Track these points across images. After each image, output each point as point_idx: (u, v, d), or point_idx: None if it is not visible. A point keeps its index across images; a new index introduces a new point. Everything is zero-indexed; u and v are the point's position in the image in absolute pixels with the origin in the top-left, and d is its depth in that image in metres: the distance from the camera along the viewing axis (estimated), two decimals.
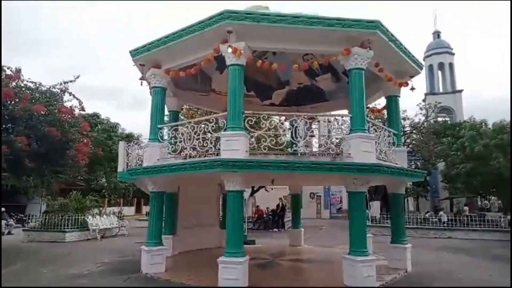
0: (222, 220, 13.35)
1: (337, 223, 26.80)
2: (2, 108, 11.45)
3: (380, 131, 8.62)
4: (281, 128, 8.26)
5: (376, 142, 8.22)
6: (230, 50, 7.51)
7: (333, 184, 24.81)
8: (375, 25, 7.61)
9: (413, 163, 30.83)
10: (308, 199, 36.26)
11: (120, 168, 10.72)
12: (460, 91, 35.83)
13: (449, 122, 33.35)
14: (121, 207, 35.46)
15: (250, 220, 21.56)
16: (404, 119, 23.89)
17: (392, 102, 10.12)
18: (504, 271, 9.44)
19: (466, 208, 24.25)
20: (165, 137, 9.27)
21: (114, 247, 14.19)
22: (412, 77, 10.04)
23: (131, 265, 9.76)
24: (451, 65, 37.00)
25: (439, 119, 34.80)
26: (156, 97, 9.34)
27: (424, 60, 38.12)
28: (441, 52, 36.71)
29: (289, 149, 8.20)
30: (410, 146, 24.61)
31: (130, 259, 10.99)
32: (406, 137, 24.64)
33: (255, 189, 24.60)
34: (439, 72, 37.48)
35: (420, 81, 39.29)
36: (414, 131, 24.08)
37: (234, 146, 7.31)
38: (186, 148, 8.24)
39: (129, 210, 38.89)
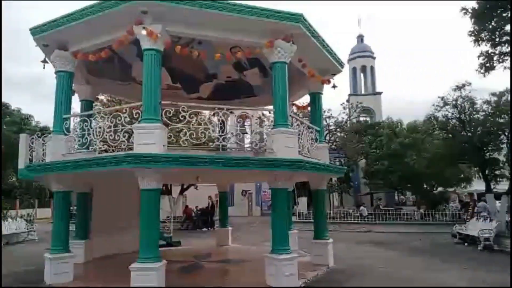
0: None
1: (267, 220, 26.68)
2: None
3: (303, 127, 8.57)
4: (203, 122, 7.74)
5: (299, 137, 8.18)
6: (144, 32, 6.82)
7: (259, 181, 24.90)
8: (298, 18, 7.47)
9: (337, 160, 32.42)
10: (240, 197, 36.24)
11: (20, 165, 9.35)
12: (380, 93, 38.47)
13: (369, 122, 35.70)
14: (34, 209, 32.04)
15: (178, 220, 20.71)
16: (329, 117, 24.84)
17: (316, 99, 10.20)
18: (422, 263, 9.98)
19: (379, 202, 25.93)
20: (77, 130, 8.19)
21: (19, 255, 12.53)
22: (334, 75, 10.22)
23: (35, 275, 8.54)
24: (372, 68, 39.58)
25: (361, 118, 37.10)
26: (61, 83, 8.24)
27: (348, 62, 40.27)
28: (363, 56, 39.08)
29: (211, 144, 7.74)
30: (335, 144, 25.65)
31: (34, 269, 9.62)
32: (330, 135, 25.65)
33: (184, 187, 23.70)
34: (362, 75, 39.90)
35: (344, 82, 41.41)
36: (338, 130, 25.15)
37: (149, 139, 6.65)
38: (95, 142, 7.36)
39: (46, 212, 35.30)
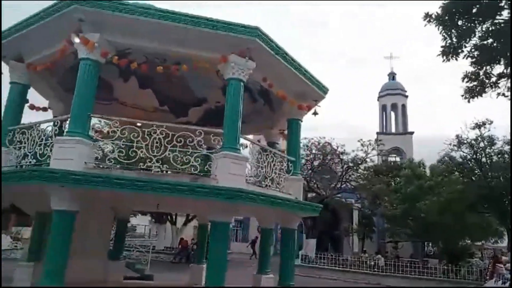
0: (113, 250, 11.66)
1: (275, 260, 25.27)
2: None
3: (267, 155, 7.58)
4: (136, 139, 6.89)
5: (260, 165, 7.21)
6: (78, 40, 6.33)
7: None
8: (254, 32, 6.71)
9: (359, 201, 30.32)
10: (256, 233, 34.79)
11: None
12: (411, 133, 36.37)
13: (399, 163, 33.50)
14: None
15: (172, 251, 19.72)
16: (342, 153, 23.36)
17: (293, 126, 9.20)
18: None
19: (397, 251, 23.56)
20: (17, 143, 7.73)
21: None
22: (316, 101, 9.23)
23: None
24: (403, 106, 37.77)
25: (391, 159, 35.01)
26: (11, 95, 7.90)
27: (378, 100, 38.86)
28: (394, 94, 37.50)
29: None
30: (352, 183, 23.97)
31: None
32: (348, 174, 24.04)
33: (189, 218, 23.01)
34: (392, 113, 38.13)
35: (374, 120, 39.76)
36: (354, 167, 23.52)
37: (68, 155, 5.97)
38: (27, 155, 6.81)
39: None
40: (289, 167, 8.54)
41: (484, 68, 6.63)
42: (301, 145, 25.89)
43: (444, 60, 7.03)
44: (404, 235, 23.05)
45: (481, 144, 15.24)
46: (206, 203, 6.38)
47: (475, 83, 6.91)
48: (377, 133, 36.71)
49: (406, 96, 38.31)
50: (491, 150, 15.31)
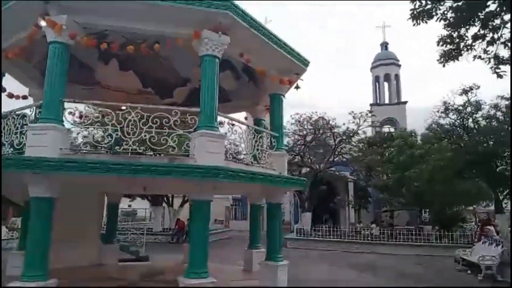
0: (105, 234, 11.78)
1: None
2: None
3: (246, 131, 7.53)
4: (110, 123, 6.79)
5: (242, 142, 7.19)
6: (44, 23, 6.14)
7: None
8: (226, 5, 6.50)
9: (354, 173, 30.52)
10: None
11: None
12: (405, 102, 36.20)
13: (392, 133, 33.49)
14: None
15: (169, 232, 19.97)
16: (332, 127, 23.29)
17: (275, 101, 9.11)
18: None
19: (391, 220, 23.87)
20: None
21: None
22: (298, 74, 9.11)
23: None
24: (397, 76, 37.43)
25: (385, 129, 34.99)
26: None
27: (371, 71, 38.43)
28: (387, 64, 37.06)
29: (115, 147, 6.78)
30: (345, 156, 24.06)
31: None
32: (340, 147, 24.06)
33: (186, 199, 23.14)
34: (386, 84, 37.81)
35: (367, 92, 39.48)
36: (346, 140, 23.50)
37: (41, 141, 5.90)
38: (4, 144, 6.74)
39: None
40: (272, 143, 8.53)
41: (458, 30, 6.43)
42: (293, 121, 26.07)
43: (414, 24, 6.83)
44: (398, 204, 23.33)
45: (468, 110, 15.16)
46: (186, 183, 6.35)
47: (450, 46, 6.74)
48: (371, 105, 36.54)
49: (399, 66, 37.87)
50: (478, 115, 15.27)
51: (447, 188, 15.82)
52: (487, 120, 15.31)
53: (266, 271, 8.27)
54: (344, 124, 23.12)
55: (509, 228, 11.84)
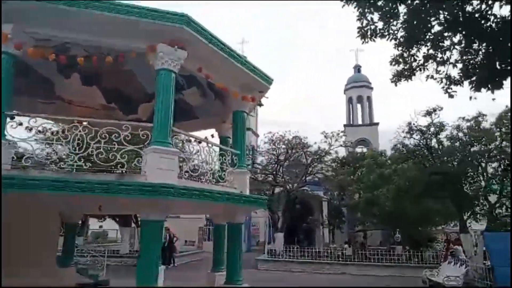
0: (62, 256, 11.11)
1: (250, 256, 25.22)
2: None
3: (205, 148, 7.31)
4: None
5: (200, 160, 6.97)
6: None
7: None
8: (182, 19, 6.39)
9: (329, 193, 30.57)
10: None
11: None
12: (377, 123, 36.98)
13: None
14: None
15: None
16: (304, 146, 23.38)
17: (238, 118, 8.97)
18: None
19: (364, 240, 23.86)
20: None
21: None
22: (261, 92, 9.07)
23: None
24: (369, 98, 38.33)
25: (358, 150, 35.51)
26: None
27: (344, 93, 39.26)
28: (360, 86, 37.98)
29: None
30: (316, 175, 24.07)
31: None
32: (313, 167, 24.09)
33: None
34: (358, 105, 38.65)
35: (341, 113, 40.22)
36: (318, 159, 23.58)
37: None
38: None
39: None
40: (233, 160, 8.33)
41: (409, 50, 6.50)
42: (267, 139, 26.03)
43: (363, 42, 6.89)
44: (370, 224, 23.36)
45: (432, 130, 15.51)
46: (137, 202, 6.04)
47: (402, 66, 6.80)
48: (345, 125, 37.19)
49: (371, 88, 38.90)
50: (442, 136, 15.63)
51: (413, 208, 15.96)
52: (451, 141, 15.70)
53: None
54: (315, 143, 23.31)
55: (474, 248, 11.94)
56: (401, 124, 16.17)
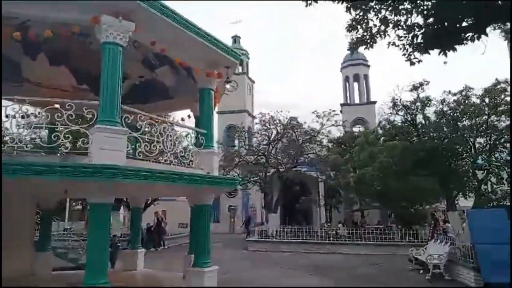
0: (39, 241, 10.94)
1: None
2: None
3: (163, 127, 6.93)
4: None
5: (156, 139, 6.58)
6: None
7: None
8: None
9: (325, 174, 30.20)
10: (226, 212, 34.37)
11: None
12: (374, 102, 36.20)
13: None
14: None
15: (125, 238, 19.05)
16: (294, 126, 22.87)
17: (204, 95, 8.55)
18: None
19: (361, 219, 23.61)
20: None
21: None
22: (228, 67, 8.60)
23: None
24: (366, 76, 37.49)
25: (356, 129, 34.94)
26: None
27: (341, 71, 38.42)
28: (356, 64, 37.03)
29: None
30: (309, 156, 23.65)
31: None
32: (303, 147, 23.63)
33: (148, 202, 22.31)
34: (355, 84, 37.85)
35: (338, 92, 39.51)
36: (309, 139, 23.08)
37: None
38: None
39: None
40: (199, 140, 7.94)
41: (364, 14, 5.87)
42: (257, 120, 25.45)
43: (306, 5, 6.25)
44: (365, 204, 23.07)
45: (417, 105, 14.91)
46: (85, 184, 5.70)
47: (361, 32, 6.19)
48: (341, 104, 36.52)
49: (368, 66, 37.97)
50: (428, 111, 15.06)
51: (399, 186, 15.50)
52: (438, 116, 15.11)
53: (193, 278, 7.67)
54: (305, 122, 22.75)
55: (462, 226, 11.60)
56: (385, 100, 15.71)
